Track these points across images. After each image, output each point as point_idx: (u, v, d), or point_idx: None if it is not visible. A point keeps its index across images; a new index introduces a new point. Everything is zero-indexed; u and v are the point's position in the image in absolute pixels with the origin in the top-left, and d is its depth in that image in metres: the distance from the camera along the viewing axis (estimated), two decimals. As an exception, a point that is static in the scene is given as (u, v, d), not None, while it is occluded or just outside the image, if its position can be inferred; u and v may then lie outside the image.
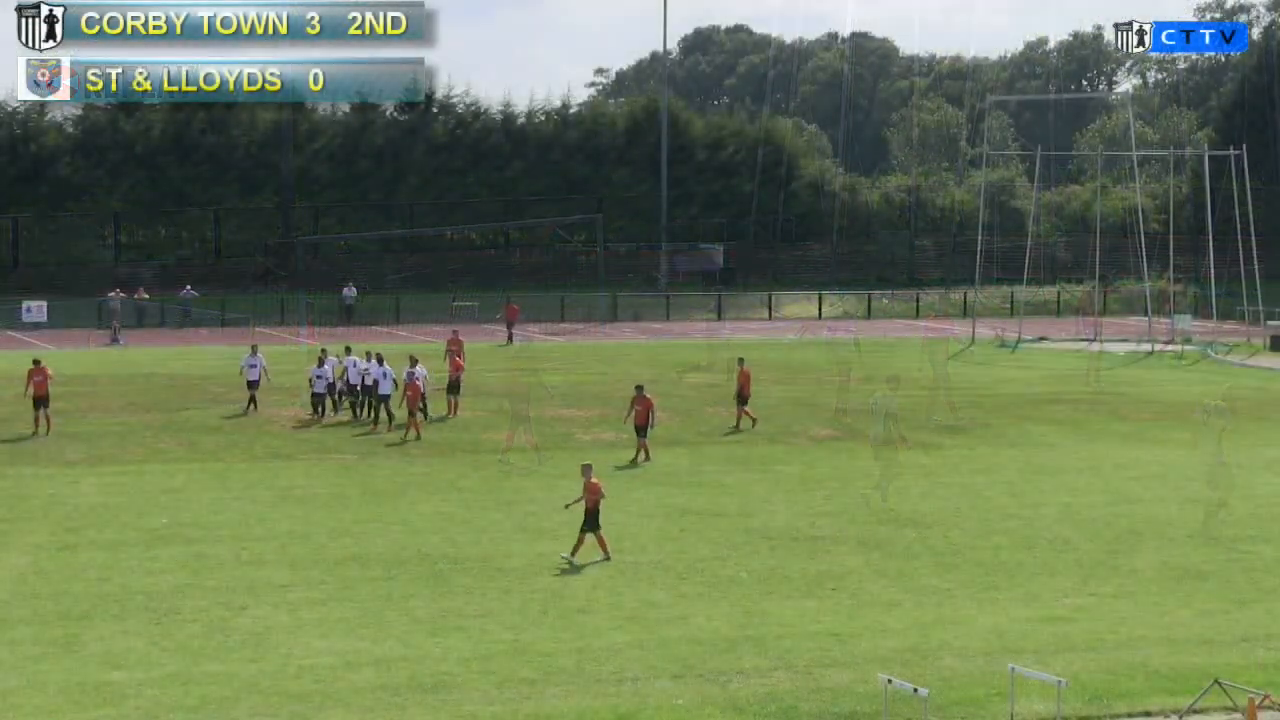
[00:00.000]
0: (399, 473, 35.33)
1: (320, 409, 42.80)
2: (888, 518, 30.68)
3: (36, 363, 41.00)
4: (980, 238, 75.63)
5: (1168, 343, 70.55)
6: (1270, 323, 72.70)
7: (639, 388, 38.11)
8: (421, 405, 42.00)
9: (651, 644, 21.69)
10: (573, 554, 26.46)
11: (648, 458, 36.88)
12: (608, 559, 26.52)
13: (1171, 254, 74.54)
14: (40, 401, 40.03)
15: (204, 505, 31.20)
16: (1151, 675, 20.43)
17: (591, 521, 26.64)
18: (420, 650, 21.28)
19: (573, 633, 22.26)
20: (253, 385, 43.91)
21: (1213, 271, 72.22)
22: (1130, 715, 19.12)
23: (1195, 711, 18.92)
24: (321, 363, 43.26)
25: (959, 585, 25.39)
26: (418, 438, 39.54)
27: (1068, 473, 36.25)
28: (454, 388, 44.37)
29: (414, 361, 42.20)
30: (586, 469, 27.29)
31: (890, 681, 17.92)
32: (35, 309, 75.04)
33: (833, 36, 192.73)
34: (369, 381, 42.41)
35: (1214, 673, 19.69)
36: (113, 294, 73.43)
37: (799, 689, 19.76)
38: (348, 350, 44.87)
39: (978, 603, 24.31)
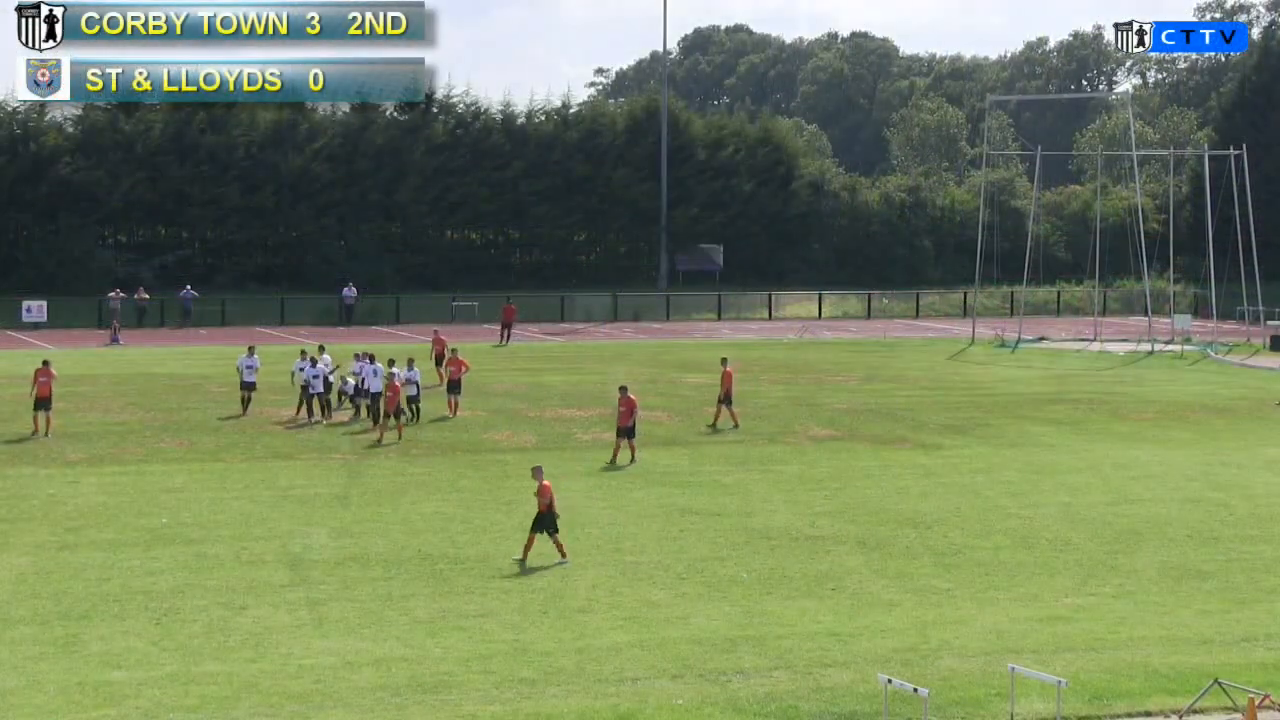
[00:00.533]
0: (399, 473, 35.33)
1: (325, 410, 42.79)
2: (888, 518, 30.70)
3: (45, 364, 41.02)
4: (980, 238, 75.66)
5: (1168, 343, 70.58)
6: (1270, 322, 72.75)
7: (622, 389, 38.09)
8: (415, 408, 42.06)
9: (651, 644, 21.69)
10: (563, 556, 26.40)
11: (633, 459, 36.69)
12: (523, 560, 26.33)
13: (1171, 254, 74.59)
14: (42, 403, 40.01)
15: (204, 505, 31.19)
16: (1151, 675, 20.43)
17: (542, 523, 26.50)
18: (420, 650, 21.29)
19: (573, 633, 22.27)
20: (249, 386, 43.92)
21: (1212, 271, 72.26)
22: (1130, 715, 19.13)
23: (1195, 711, 18.92)
24: (315, 364, 43.27)
25: (959, 585, 25.39)
26: (377, 442, 39.24)
27: (1068, 473, 36.25)
28: (455, 387, 44.42)
29: (394, 363, 42.30)
30: (537, 470, 27.11)
31: (890, 681, 17.93)
32: (35, 309, 75.07)
33: (833, 37, 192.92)
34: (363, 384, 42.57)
35: (1214, 673, 19.70)
36: (113, 294, 73.45)
37: (799, 689, 19.76)
38: (321, 350, 44.97)
39: (978, 603, 24.31)
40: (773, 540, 28.53)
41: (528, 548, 26.56)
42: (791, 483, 34.55)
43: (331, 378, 43.46)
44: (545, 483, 26.70)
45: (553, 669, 20.46)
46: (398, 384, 40.70)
